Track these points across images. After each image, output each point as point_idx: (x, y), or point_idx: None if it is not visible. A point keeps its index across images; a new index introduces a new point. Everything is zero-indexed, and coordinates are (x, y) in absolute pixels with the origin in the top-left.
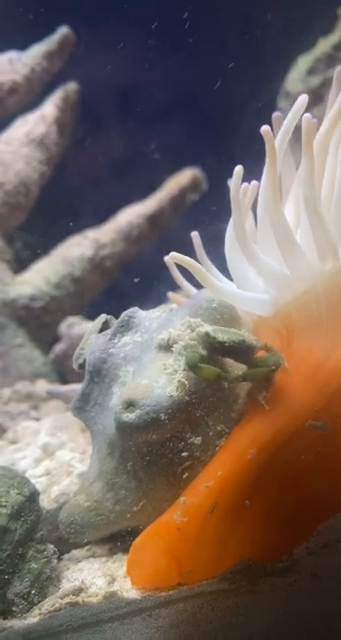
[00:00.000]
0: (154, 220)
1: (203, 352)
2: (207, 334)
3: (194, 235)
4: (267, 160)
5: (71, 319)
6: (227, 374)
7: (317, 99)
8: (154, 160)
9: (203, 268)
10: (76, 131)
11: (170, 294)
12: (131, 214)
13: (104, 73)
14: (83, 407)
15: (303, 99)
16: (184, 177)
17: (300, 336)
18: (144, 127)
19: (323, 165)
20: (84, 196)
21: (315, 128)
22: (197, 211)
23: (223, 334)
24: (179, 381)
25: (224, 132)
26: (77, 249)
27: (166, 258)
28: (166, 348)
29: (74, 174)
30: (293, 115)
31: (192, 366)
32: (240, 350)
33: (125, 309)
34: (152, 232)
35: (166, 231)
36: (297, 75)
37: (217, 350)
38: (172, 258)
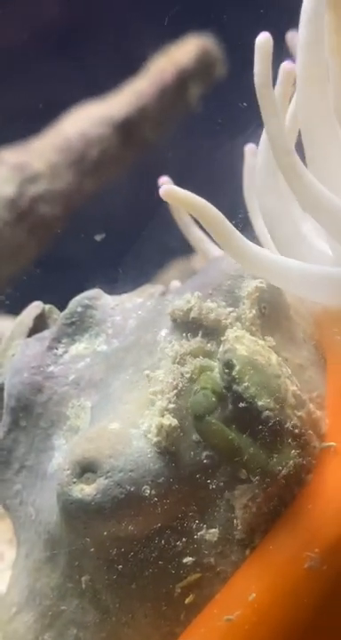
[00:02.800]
0: (128, 129)
1: (221, 386)
2: (228, 368)
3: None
4: None
5: None
6: (248, 450)
7: None
8: (129, 21)
9: (223, 217)
10: None
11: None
12: (87, 119)
13: None
14: None
15: None
16: (184, 51)
17: None
18: None
19: None
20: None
21: None
22: (209, 114)
23: (252, 381)
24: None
25: None
26: None
27: (162, 190)
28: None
29: None
30: None
31: (198, 417)
32: (263, 425)
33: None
34: (125, 151)
35: (151, 151)
36: None
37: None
38: (166, 195)
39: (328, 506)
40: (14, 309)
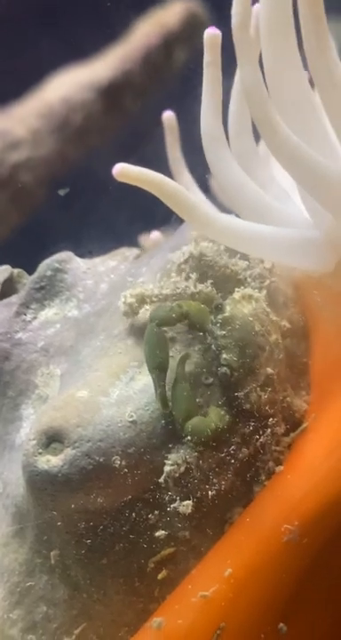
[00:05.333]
0: (113, 94)
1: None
2: (217, 310)
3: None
4: None
5: None
6: (179, 385)
7: None
8: None
9: (183, 190)
10: None
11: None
12: (70, 84)
13: None
14: None
15: None
16: (170, 15)
17: None
18: None
19: None
20: None
21: None
22: (194, 77)
23: (231, 334)
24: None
25: None
26: None
27: (114, 170)
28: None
29: None
30: None
31: (151, 319)
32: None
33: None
34: (109, 118)
35: (136, 116)
36: None
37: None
38: (119, 175)
39: (309, 477)
40: None
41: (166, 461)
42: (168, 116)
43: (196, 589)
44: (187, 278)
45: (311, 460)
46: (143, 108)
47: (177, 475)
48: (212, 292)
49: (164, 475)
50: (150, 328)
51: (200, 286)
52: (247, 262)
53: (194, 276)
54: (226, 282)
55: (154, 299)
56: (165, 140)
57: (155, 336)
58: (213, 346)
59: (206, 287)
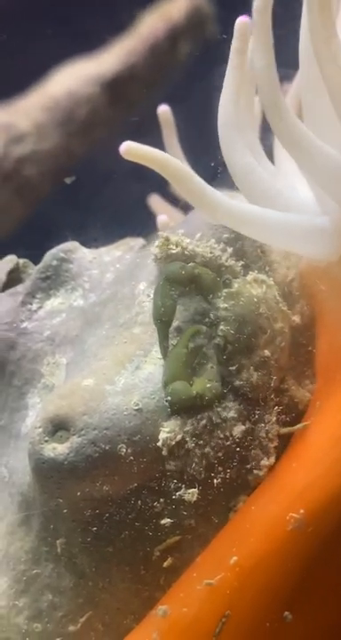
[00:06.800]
0: (118, 87)
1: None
2: (225, 284)
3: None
4: None
5: None
6: (177, 350)
7: None
8: None
9: (191, 171)
10: None
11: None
12: (75, 78)
13: None
14: None
15: None
16: (175, 8)
17: None
18: None
19: None
20: None
21: None
22: (200, 69)
23: (233, 308)
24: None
25: None
26: None
27: (122, 148)
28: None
29: None
30: None
31: (163, 276)
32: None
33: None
34: (114, 111)
35: (141, 109)
36: None
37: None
38: (126, 153)
39: (315, 465)
40: None
41: (162, 429)
42: (163, 109)
43: (201, 577)
44: (224, 250)
45: (316, 449)
46: (148, 102)
47: (172, 443)
48: (239, 273)
49: (160, 442)
50: (161, 283)
51: (231, 262)
52: (279, 252)
53: (230, 250)
54: (253, 264)
55: (187, 252)
56: (163, 133)
57: (161, 289)
58: (212, 316)
59: (236, 266)
